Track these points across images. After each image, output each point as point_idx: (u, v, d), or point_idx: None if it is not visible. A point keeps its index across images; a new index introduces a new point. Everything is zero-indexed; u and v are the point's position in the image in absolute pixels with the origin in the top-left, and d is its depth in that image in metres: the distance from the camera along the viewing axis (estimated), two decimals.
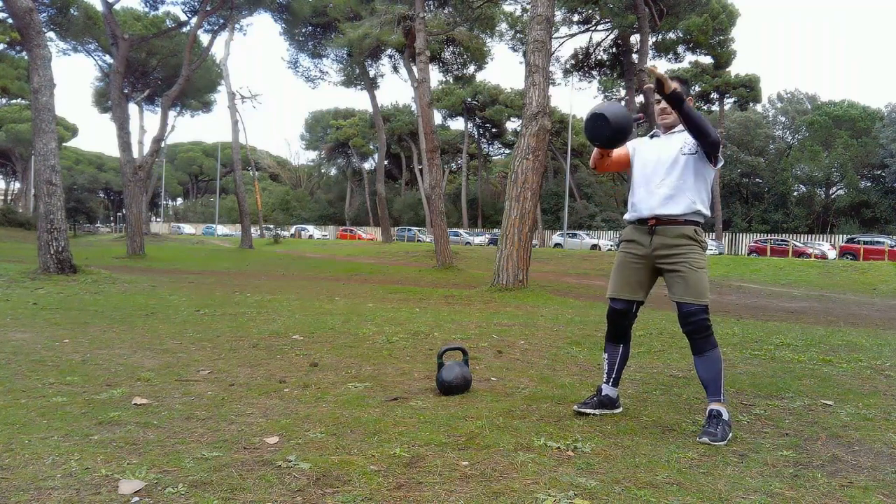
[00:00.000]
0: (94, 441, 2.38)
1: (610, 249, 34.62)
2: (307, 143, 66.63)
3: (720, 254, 32.68)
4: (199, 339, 4.85)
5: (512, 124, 53.26)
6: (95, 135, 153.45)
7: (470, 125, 55.39)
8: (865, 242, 28.58)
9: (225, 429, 2.59)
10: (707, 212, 2.87)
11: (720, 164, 2.88)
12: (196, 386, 3.34)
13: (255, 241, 35.84)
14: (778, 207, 44.27)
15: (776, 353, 4.88)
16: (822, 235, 37.86)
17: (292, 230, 52.54)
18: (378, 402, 3.11)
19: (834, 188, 46.01)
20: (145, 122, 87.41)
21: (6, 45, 30.54)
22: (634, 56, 27.12)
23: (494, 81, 58.13)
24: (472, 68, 33.92)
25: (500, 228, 10.67)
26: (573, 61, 31.57)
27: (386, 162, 47.90)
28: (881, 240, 28.70)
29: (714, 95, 41.72)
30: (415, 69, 21.04)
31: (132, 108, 34.25)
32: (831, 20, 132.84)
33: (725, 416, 2.67)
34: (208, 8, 23.89)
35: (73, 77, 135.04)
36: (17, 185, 63.07)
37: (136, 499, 1.87)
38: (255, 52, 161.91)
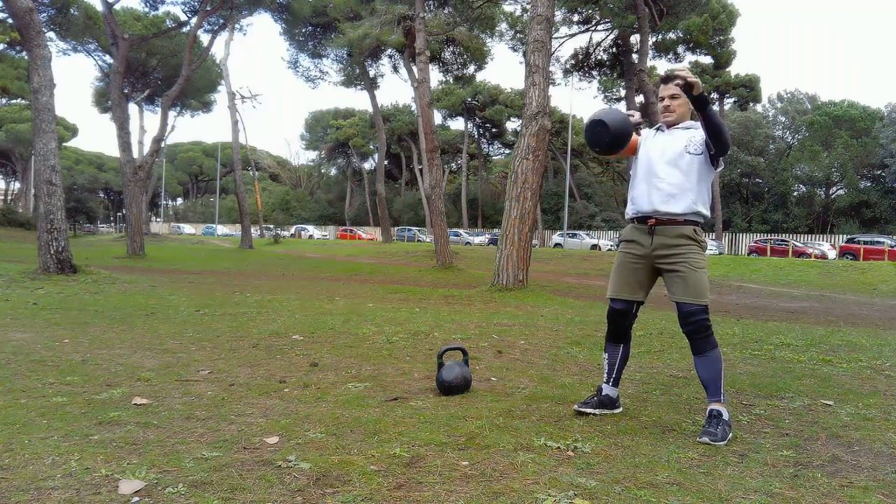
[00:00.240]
0: (94, 441, 2.38)
1: (610, 249, 34.62)
2: (307, 143, 66.68)
3: (720, 254, 32.68)
4: (199, 339, 4.85)
5: (512, 124, 53.29)
6: (95, 135, 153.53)
7: (470, 125, 55.40)
8: (865, 242, 28.58)
9: (225, 429, 2.59)
10: (707, 213, 2.87)
11: (721, 168, 2.89)
12: (196, 386, 3.34)
13: (255, 241, 35.84)
14: (778, 207, 44.27)
15: (776, 353, 4.88)
16: (822, 235, 37.87)
17: (292, 230, 52.53)
18: (378, 402, 3.11)
19: (834, 188, 46.00)
20: (145, 122, 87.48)
21: (6, 45, 30.53)
22: (634, 56, 27.09)
23: (494, 81, 58.22)
24: (472, 68, 33.94)
25: (500, 228, 10.67)
26: (573, 61, 31.57)
27: (386, 162, 47.90)
28: (881, 240, 28.70)
29: (714, 95, 41.71)
30: (415, 69, 21.04)
31: (132, 108, 34.29)
32: (831, 20, 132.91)
33: (725, 416, 2.67)
34: (208, 8, 23.89)
35: (73, 77, 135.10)
36: (17, 185, 63.11)
37: (136, 499, 1.87)
38: (255, 52, 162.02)
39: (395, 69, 34.60)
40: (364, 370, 3.89)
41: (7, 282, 9.33)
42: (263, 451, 2.33)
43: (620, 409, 3.04)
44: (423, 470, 2.17)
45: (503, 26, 27.98)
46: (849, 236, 32.66)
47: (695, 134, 2.83)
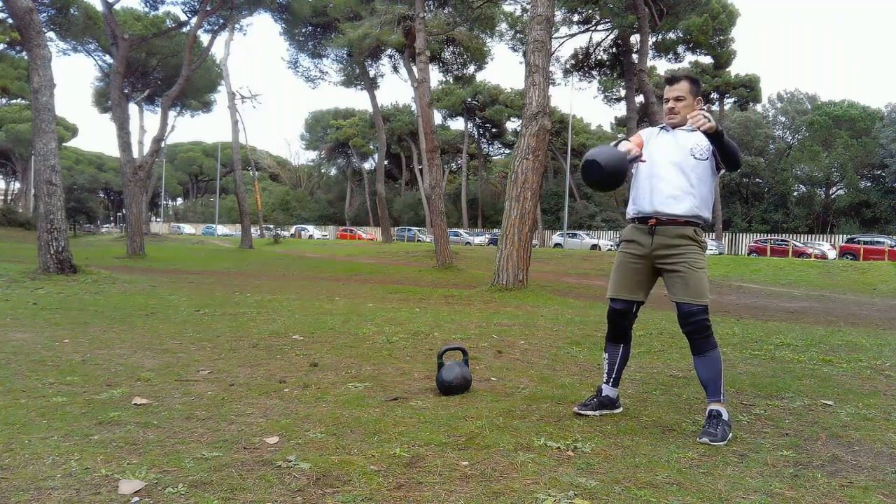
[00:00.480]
0: (94, 441, 2.38)
1: (610, 249, 34.62)
2: (307, 143, 66.67)
3: (720, 254, 32.68)
4: (199, 339, 4.85)
5: (512, 124, 53.29)
6: (95, 135, 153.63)
7: (470, 125, 55.40)
8: (865, 242, 28.58)
9: (225, 429, 2.59)
10: (709, 216, 2.87)
11: (723, 171, 2.89)
12: (196, 386, 3.34)
13: (255, 241, 35.84)
14: (778, 207, 44.26)
15: (776, 353, 4.88)
16: (822, 235, 37.87)
17: (292, 230, 52.54)
18: (378, 402, 3.11)
19: (834, 188, 45.99)
20: (145, 122, 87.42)
21: (6, 45, 30.54)
22: (634, 56, 27.09)
23: (494, 81, 58.22)
24: (472, 68, 33.93)
25: (500, 228, 10.67)
26: (573, 61, 31.56)
27: (386, 162, 47.90)
28: (881, 240, 28.70)
29: (714, 95, 41.74)
30: (415, 69, 21.04)
31: (132, 108, 34.27)
32: (831, 20, 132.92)
33: (725, 416, 2.67)
34: (208, 8, 23.88)
35: (73, 77, 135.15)
36: (17, 185, 63.12)
37: (136, 499, 1.87)
38: (255, 52, 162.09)
39: (395, 69, 34.63)
40: (364, 370, 3.89)
41: (7, 282, 9.33)
42: (263, 451, 2.33)
43: (620, 409, 3.04)
44: (423, 470, 2.17)
45: (503, 26, 27.99)
46: (849, 236, 32.66)
47: (701, 138, 2.82)
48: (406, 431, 2.61)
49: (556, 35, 26.21)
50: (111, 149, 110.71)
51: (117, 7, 23.08)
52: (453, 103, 50.57)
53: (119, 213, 74.71)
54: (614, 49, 30.36)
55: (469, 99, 50.82)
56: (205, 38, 27.01)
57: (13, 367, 3.65)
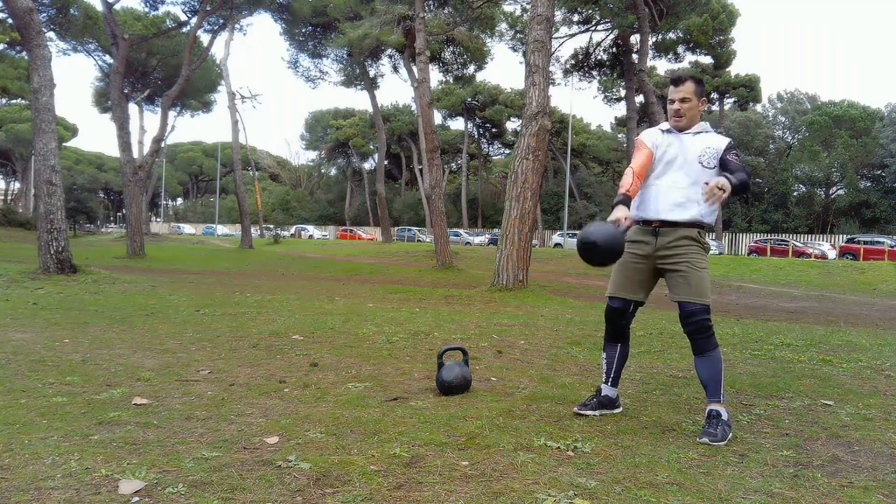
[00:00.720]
0: (94, 441, 2.38)
1: None
2: (307, 143, 66.65)
3: (720, 254, 32.67)
4: (199, 339, 4.85)
5: (512, 124, 53.27)
6: (95, 135, 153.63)
7: (470, 125, 55.40)
8: (865, 242, 28.58)
9: (225, 429, 2.59)
10: (712, 221, 2.90)
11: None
12: (196, 386, 3.34)
13: (255, 241, 35.84)
14: (778, 207, 44.26)
15: (776, 353, 4.88)
16: (822, 235, 37.87)
17: (292, 230, 52.54)
18: (378, 402, 3.11)
19: (834, 188, 45.99)
20: (145, 122, 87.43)
21: (6, 45, 30.52)
22: (634, 56, 27.08)
23: (494, 81, 58.19)
24: (472, 68, 33.91)
25: (500, 228, 10.67)
26: (573, 61, 31.55)
27: (386, 162, 47.90)
28: (881, 240, 28.70)
29: (714, 95, 41.70)
30: (415, 69, 21.03)
31: (132, 108, 34.27)
32: (831, 20, 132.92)
33: (725, 416, 2.67)
34: (208, 8, 23.89)
35: (73, 77, 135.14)
36: (17, 185, 63.12)
37: (136, 499, 1.87)
38: (255, 52, 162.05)
39: (395, 69, 34.61)
40: (364, 370, 3.89)
41: (7, 282, 9.33)
42: (263, 451, 2.33)
43: (620, 409, 3.04)
44: (423, 470, 2.17)
45: (503, 26, 27.99)
46: (849, 236, 32.66)
47: (710, 145, 2.82)
48: (406, 431, 2.61)
49: (556, 35, 26.22)
50: (111, 149, 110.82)
51: (117, 7, 23.08)
52: (453, 103, 50.56)
53: (119, 213, 74.71)
54: (614, 49, 30.36)
55: (469, 99, 50.81)
56: (205, 38, 27.06)
57: (13, 367, 3.65)
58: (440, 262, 18.49)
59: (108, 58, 28.62)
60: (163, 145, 30.55)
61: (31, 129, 11.12)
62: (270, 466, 2.16)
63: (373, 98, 34.64)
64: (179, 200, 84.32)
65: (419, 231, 46.66)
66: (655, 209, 2.85)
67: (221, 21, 26.69)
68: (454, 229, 42.99)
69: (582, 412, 2.94)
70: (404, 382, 3.58)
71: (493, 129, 56.06)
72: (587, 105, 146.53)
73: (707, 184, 2.65)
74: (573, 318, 6.97)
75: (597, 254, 2.62)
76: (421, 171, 46.99)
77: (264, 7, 27.40)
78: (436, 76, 37.57)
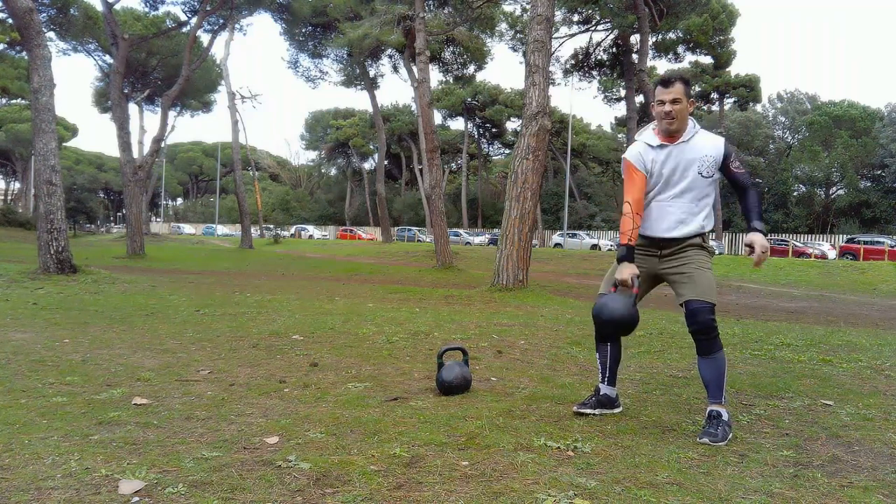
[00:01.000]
0: (94, 441, 2.38)
1: (610, 249, 34.61)
2: (307, 143, 66.67)
3: (720, 254, 32.66)
4: (199, 339, 4.85)
5: (512, 124, 53.29)
6: (95, 135, 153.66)
7: (470, 125, 55.40)
8: (865, 242, 28.58)
9: (225, 429, 2.59)
10: (712, 223, 2.89)
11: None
12: (196, 386, 3.34)
13: (255, 241, 35.84)
14: (778, 207, 44.26)
15: (776, 353, 4.88)
16: (822, 235, 37.87)
17: (292, 230, 52.55)
18: (378, 402, 3.11)
19: (834, 188, 46.00)
20: (145, 122, 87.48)
21: (6, 45, 30.51)
22: (634, 56, 27.09)
23: (494, 81, 58.23)
24: (472, 68, 33.92)
25: (500, 228, 10.67)
26: (573, 61, 31.56)
27: (386, 162, 47.90)
28: (881, 240, 28.70)
29: (714, 95, 41.72)
30: (415, 69, 21.03)
31: (132, 108, 34.28)
32: (831, 20, 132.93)
33: (725, 416, 2.67)
34: (208, 8, 23.89)
35: (73, 77, 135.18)
36: (17, 185, 63.13)
37: (136, 499, 1.87)
38: (255, 52, 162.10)
39: (395, 69, 34.62)
40: (364, 370, 3.89)
41: (7, 282, 9.33)
42: (263, 451, 2.33)
43: (620, 409, 3.04)
44: (423, 470, 2.17)
45: (503, 26, 28.00)
46: (849, 236, 32.66)
47: (706, 153, 2.76)
48: (406, 431, 2.61)
49: (556, 35, 26.22)
50: (111, 149, 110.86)
51: (117, 7, 23.08)
52: (453, 103, 50.57)
53: (119, 213, 74.70)
54: (614, 49, 30.36)
55: (469, 99, 50.82)
56: (205, 38, 27.06)
57: (13, 367, 3.65)
58: (440, 262, 18.48)
59: (108, 58, 28.63)
60: (163, 145, 30.55)
61: (31, 129, 11.11)
62: (270, 466, 2.16)
63: (373, 98, 34.65)
64: (179, 200, 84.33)
65: (419, 231, 46.66)
66: (658, 228, 2.83)
67: (221, 21, 26.69)
68: (454, 229, 42.99)
69: (581, 411, 2.94)
70: (404, 382, 3.58)
71: (493, 129, 56.07)
72: (587, 105, 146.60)
73: (753, 249, 2.72)
74: (573, 318, 6.97)
75: (618, 329, 2.80)
76: (421, 171, 46.99)
77: (264, 7, 27.41)
78: (436, 76, 37.63)
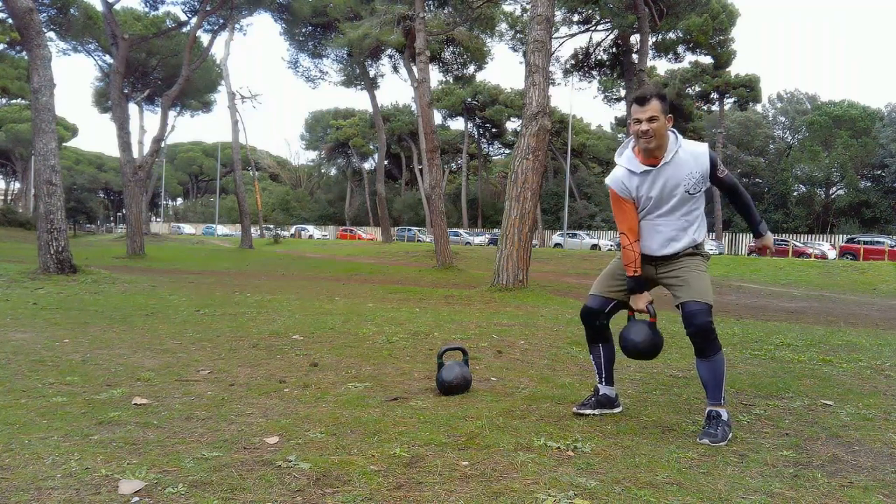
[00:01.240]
0: (94, 441, 2.38)
1: (610, 249, 34.62)
2: (307, 143, 66.69)
3: (720, 254, 32.67)
4: (199, 339, 4.85)
5: (512, 124, 53.30)
6: (95, 135, 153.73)
7: (470, 125, 55.40)
8: (865, 242, 28.58)
9: (225, 429, 2.59)
10: (704, 233, 2.87)
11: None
12: (196, 386, 3.34)
13: (255, 241, 35.84)
14: (778, 207, 44.27)
15: (776, 353, 4.88)
16: (822, 235, 37.88)
17: (292, 230, 52.55)
18: (378, 402, 3.11)
19: (834, 188, 46.01)
20: (145, 122, 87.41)
21: (6, 45, 30.52)
22: (634, 56, 27.08)
23: (494, 81, 58.23)
24: (472, 68, 33.91)
25: (500, 228, 10.67)
26: (573, 61, 31.54)
27: (386, 162, 47.89)
28: (881, 240, 28.71)
29: (714, 95, 41.72)
30: (415, 69, 21.03)
31: (132, 108, 34.28)
32: (831, 20, 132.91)
33: (725, 416, 2.67)
34: (208, 8, 23.88)
35: (73, 77, 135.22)
36: (17, 185, 63.13)
37: (136, 499, 1.87)
38: (255, 52, 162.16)
39: (395, 69, 34.60)
40: (364, 370, 3.89)
41: (7, 282, 9.33)
42: (263, 451, 2.33)
43: (620, 409, 3.04)
44: (423, 470, 2.17)
45: (503, 26, 27.98)
46: (849, 236, 32.67)
47: (691, 170, 2.69)
48: (406, 431, 2.61)
49: (556, 35, 26.20)
50: (111, 149, 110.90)
51: (117, 7, 23.07)
52: (453, 103, 50.58)
53: (119, 213, 74.69)
54: (614, 49, 30.34)
55: (469, 99, 50.83)
56: (205, 38, 27.06)
57: (13, 367, 3.65)
58: (440, 262, 18.48)
59: (108, 58, 28.63)
60: (163, 145, 30.55)
61: (31, 129, 11.11)
62: (270, 466, 2.16)
63: (373, 98, 34.65)
64: (179, 200, 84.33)
65: (419, 231, 46.67)
66: (649, 247, 2.82)
67: (221, 21, 26.68)
68: (454, 229, 42.99)
69: (581, 412, 2.94)
70: (404, 382, 3.58)
71: (493, 129, 56.08)
72: (587, 105, 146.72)
73: (762, 246, 2.97)
74: (573, 318, 6.97)
75: (644, 356, 2.92)
76: (421, 171, 46.99)
77: (264, 7, 27.40)
78: (436, 76, 37.62)
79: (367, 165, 61.99)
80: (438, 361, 3.36)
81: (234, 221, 54.53)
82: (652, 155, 2.71)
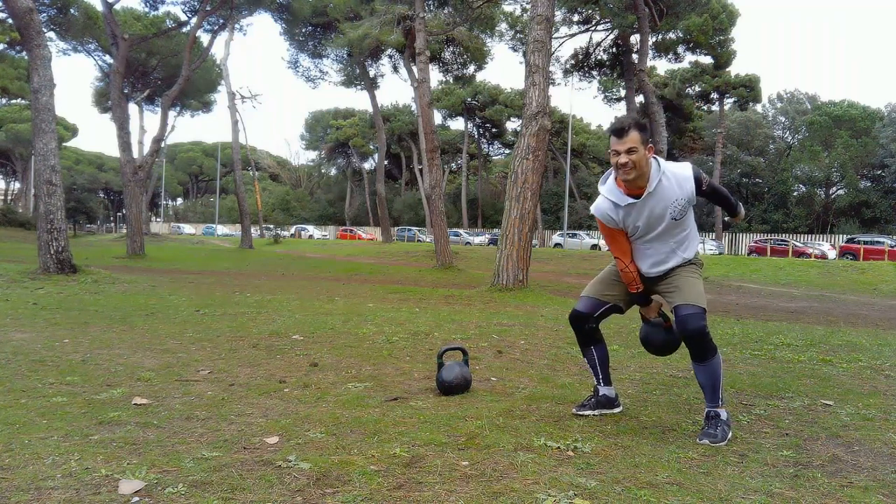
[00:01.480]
0: (94, 441, 2.38)
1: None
2: (307, 143, 66.67)
3: (720, 254, 32.67)
4: (199, 339, 4.85)
5: (512, 124, 53.29)
6: (95, 135, 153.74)
7: (470, 125, 55.40)
8: (865, 242, 28.58)
9: (225, 429, 2.59)
10: (695, 248, 2.86)
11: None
12: (196, 386, 3.34)
13: (255, 241, 35.84)
14: (778, 207, 44.25)
15: (776, 353, 4.88)
16: (822, 235, 37.86)
17: (292, 230, 52.56)
18: (378, 402, 3.11)
19: (834, 188, 46.00)
20: (145, 122, 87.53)
21: (6, 45, 30.53)
22: (634, 56, 27.07)
23: (494, 81, 58.23)
24: (472, 68, 33.91)
25: (500, 228, 10.67)
26: (573, 61, 31.54)
27: (386, 162, 47.90)
28: (881, 240, 28.70)
29: (714, 95, 41.71)
30: (415, 69, 21.03)
31: (132, 108, 34.28)
32: (831, 20, 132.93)
33: (724, 416, 2.67)
34: (208, 8, 23.88)
35: (73, 77, 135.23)
36: (17, 185, 63.12)
37: (136, 499, 1.87)
38: (255, 52, 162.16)
39: (395, 69, 34.60)
40: (364, 370, 3.89)
41: (7, 282, 9.33)
42: (263, 451, 2.33)
43: (620, 409, 3.04)
44: (423, 470, 2.17)
45: (503, 26, 27.98)
46: (849, 236, 32.66)
47: (675, 197, 2.66)
48: (406, 431, 2.61)
49: (556, 35, 26.20)
50: (111, 149, 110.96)
51: (117, 7, 23.08)
52: (453, 103, 50.57)
53: (119, 213, 74.68)
54: (614, 49, 30.34)
55: (469, 99, 50.81)
56: (205, 38, 27.05)
57: (13, 367, 3.65)
58: (440, 262, 18.49)
59: (108, 58, 28.61)
60: (163, 145, 30.55)
61: (31, 129, 11.12)
62: (270, 466, 2.16)
63: (373, 98, 34.65)
64: (179, 200, 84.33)
65: (419, 231, 46.67)
66: (640, 267, 2.85)
67: (221, 21, 26.68)
68: (454, 229, 43.00)
69: (580, 412, 2.94)
70: (404, 382, 3.58)
71: (493, 129, 56.07)
72: (587, 105, 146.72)
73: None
74: None
75: (661, 353, 3.04)
76: (421, 171, 46.99)
77: (264, 7, 27.40)
78: (436, 76, 37.63)
79: (367, 165, 62.01)
80: (438, 361, 3.37)
81: (234, 221, 54.54)
82: (635, 185, 2.66)
